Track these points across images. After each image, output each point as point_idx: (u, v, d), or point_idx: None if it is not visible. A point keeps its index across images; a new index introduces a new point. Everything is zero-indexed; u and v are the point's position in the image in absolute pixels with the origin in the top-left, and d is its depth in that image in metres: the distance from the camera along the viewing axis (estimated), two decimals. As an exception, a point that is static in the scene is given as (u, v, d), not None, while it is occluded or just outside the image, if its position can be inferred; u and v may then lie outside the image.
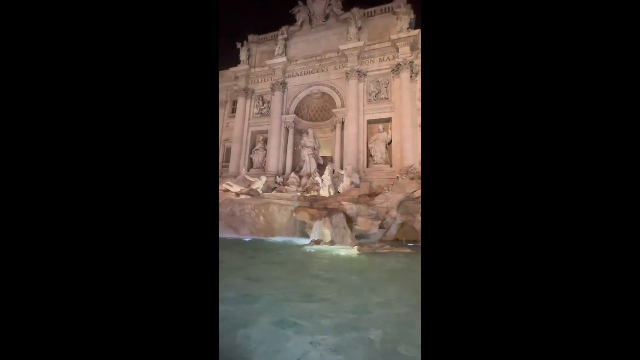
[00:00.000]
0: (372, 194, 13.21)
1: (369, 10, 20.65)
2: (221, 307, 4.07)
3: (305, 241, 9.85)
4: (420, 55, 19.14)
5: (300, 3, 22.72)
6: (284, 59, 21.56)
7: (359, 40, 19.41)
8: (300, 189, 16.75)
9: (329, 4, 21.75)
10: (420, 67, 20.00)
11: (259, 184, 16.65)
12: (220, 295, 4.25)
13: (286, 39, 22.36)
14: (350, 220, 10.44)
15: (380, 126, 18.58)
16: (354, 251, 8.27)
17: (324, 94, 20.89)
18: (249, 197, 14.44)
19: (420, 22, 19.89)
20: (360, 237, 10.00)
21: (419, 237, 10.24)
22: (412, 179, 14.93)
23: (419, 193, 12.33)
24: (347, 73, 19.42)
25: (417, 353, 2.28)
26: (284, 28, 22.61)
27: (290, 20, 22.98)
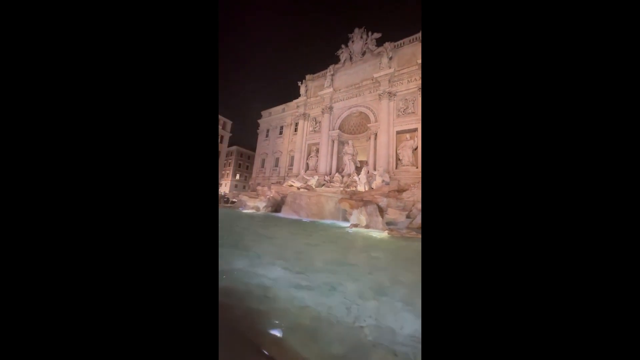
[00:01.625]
0: (400, 190, 12.27)
1: (399, 42, 19.06)
2: (291, 255, 4.50)
3: (346, 224, 9.85)
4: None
5: (343, 46, 22.54)
6: (330, 89, 21.85)
7: (389, 68, 18.17)
8: (342, 185, 16.74)
9: (366, 43, 20.97)
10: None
11: (313, 181, 17.35)
12: (292, 250, 4.73)
13: (332, 74, 22.55)
14: (381, 210, 9.95)
15: (408, 135, 17.05)
16: (385, 234, 7.89)
17: (360, 112, 20.31)
18: (306, 190, 15.18)
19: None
20: (390, 224, 9.45)
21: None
22: (436, 178, 13.26)
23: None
24: (379, 95, 18.42)
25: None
26: (331, 67, 22.91)
27: (336, 60, 23.05)
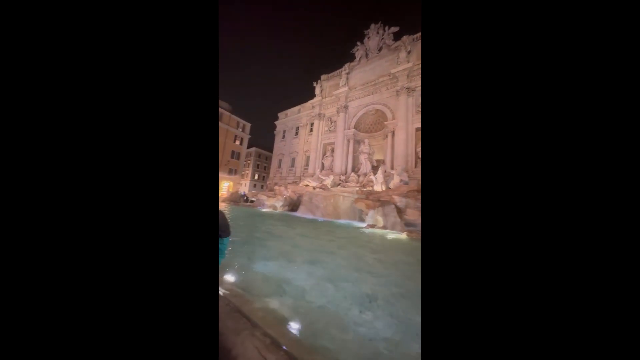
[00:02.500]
0: (420, 190, 11.67)
1: (417, 35, 18.09)
2: (313, 247, 4.54)
3: (362, 224, 9.65)
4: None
5: (358, 43, 22.02)
6: (346, 88, 21.50)
7: (408, 62, 17.33)
8: (358, 185, 16.45)
9: (382, 38, 20.24)
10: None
11: (328, 181, 17.33)
12: (311, 246, 4.81)
13: (348, 73, 22.20)
14: (400, 211, 9.56)
15: (428, 132, 16.12)
16: (403, 236, 7.57)
17: (377, 110, 19.69)
18: (321, 190, 15.23)
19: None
20: (409, 225, 9.03)
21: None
22: (460, 177, 12.34)
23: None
24: (397, 91, 17.67)
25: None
26: (346, 65, 22.51)
27: (351, 58, 22.66)
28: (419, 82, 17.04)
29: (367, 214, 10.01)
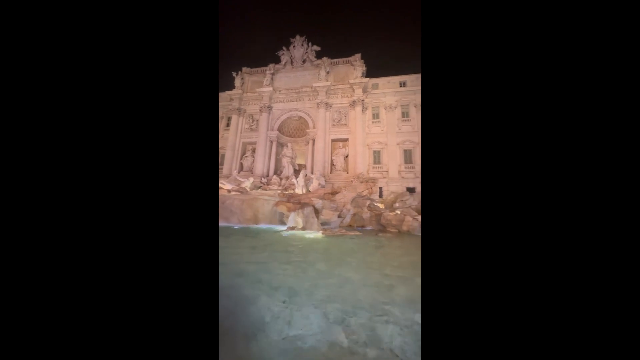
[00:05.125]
0: (334, 192, 13.50)
1: (335, 60, 21.32)
2: (232, 259, 3.78)
3: (283, 227, 9.62)
4: (367, 95, 20.45)
5: (284, 48, 22.49)
6: (270, 88, 21.08)
7: (327, 81, 19.89)
8: (280, 187, 16.36)
9: (306, 52, 21.93)
10: (369, 105, 21.29)
11: (247, 184, 15.82)
12: (231, 257, 3.97)
13: (272, 73, 21.89)
14: (317, 212, 10.50)
15: (341, 144, 19.25)
16: (319, 235, 8.34)
17: (300, 117, 20.86)
18: (239, 193, 13.60)
19: (366, 72, 21.14)
20: (324, 224, 10.12)
21: (365, 223, 10.76)
22: (361, 182, 15.68)
23: (365, 192, 13.06)
24: (317, 104, 19.72)
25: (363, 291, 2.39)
26: (271, 65, 22.18)
27: (276, 59, 22.55)
28: (335, 100, 20.01)
29: (287, 217, 10.10)
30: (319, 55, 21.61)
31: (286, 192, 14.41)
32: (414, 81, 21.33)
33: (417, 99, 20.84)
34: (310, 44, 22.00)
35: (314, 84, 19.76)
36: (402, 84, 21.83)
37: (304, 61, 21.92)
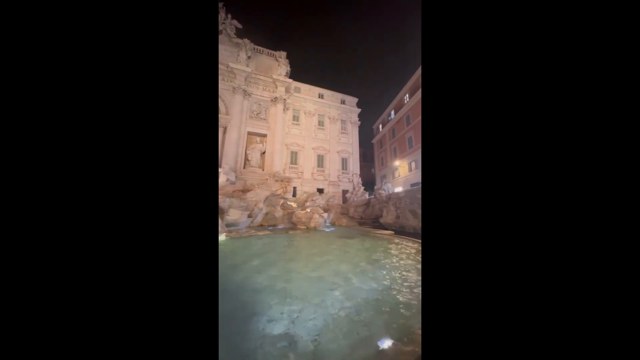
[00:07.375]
0: (245, 190, 12.33)
1: (259, 48, 19.74)
2: None
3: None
4: (290, 96, 20.84)
5: (192, 4, 17.59)
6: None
7: (247, 66, 17.93)
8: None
9: (224, 22, 18.48)
10: (291, 106, 21.72)
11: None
12: None
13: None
14: (222, 212, 9.05)
15: (258, 138, 18.04)
16: (222, 237, 7.18)
17: (209, 97, 17.20)
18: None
19: (290, 74, 21.66)
20: (230, 226, 8.90)
21: (277, 222, 10.73)
22: (277, 181, 15.57)
23: (280, 191, 13.09)
24: (234, 88, 17.25)
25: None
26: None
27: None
28: (255, 90, 18.46)
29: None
30: (240, 34, 19.04)
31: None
32: (330, 97, 24.57)
33: (332, 112, 24.14)
34: (229, 15, 18.86)
35: (231, 64, 17.10)
36: (321, 96, 24.37)
37: (219, 32, 18.38)
